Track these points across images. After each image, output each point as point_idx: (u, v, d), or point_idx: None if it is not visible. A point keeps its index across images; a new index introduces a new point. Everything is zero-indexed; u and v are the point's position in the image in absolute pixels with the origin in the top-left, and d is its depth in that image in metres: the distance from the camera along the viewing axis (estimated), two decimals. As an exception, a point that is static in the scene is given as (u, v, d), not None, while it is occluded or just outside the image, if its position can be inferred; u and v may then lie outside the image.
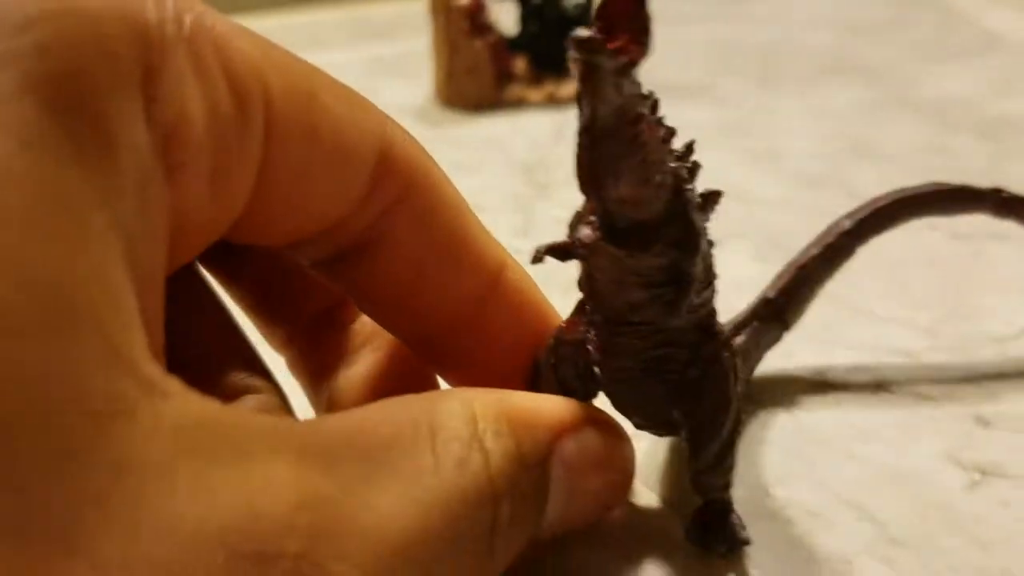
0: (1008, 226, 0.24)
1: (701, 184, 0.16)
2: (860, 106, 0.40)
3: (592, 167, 0.14)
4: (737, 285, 0.24)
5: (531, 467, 0.14)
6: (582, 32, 0.12)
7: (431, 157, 0.16)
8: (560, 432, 0.15)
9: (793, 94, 0.42)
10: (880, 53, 0.48)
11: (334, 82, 0.14)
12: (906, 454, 0.19)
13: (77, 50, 0.10)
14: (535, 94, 0.41)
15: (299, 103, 0.13)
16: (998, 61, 0.47)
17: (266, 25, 0.57)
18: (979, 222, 0.28)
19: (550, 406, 0.15)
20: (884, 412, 0.21)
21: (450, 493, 0.12)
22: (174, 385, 0.11)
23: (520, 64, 0.41)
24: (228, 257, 0.16)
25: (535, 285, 0.17)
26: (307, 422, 0.13)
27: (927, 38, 0.51)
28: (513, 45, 0.41)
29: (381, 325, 0.17)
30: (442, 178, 0.16)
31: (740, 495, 0.17)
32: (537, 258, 0.16)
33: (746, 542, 0.17)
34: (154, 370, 0.11)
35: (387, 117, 0.15)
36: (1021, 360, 0.22)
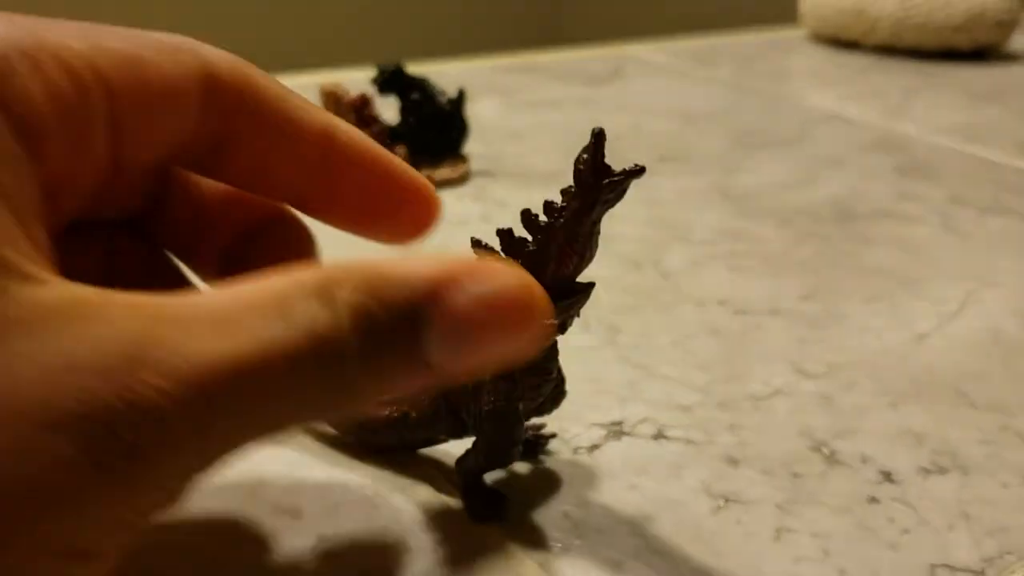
0: (782, 304, 0.31)
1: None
2: (683, 193, 0.48)
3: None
4: (564, 353, 0.32)
5: (388, 317, 0.16)
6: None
7: (249, 65, 0.21)
8: (436, 284, 0.16)
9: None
10: (708, 142, 0.56)
11: (158, 41, 0.19)
12: (672, 486, 0.26)
13: None
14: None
15: (129, 71, 0.18)
16: (808, 150, 0.55)
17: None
18: (760, 300, 0.35)
19: (424, 264, 0.16)
20: (660, 454, 0.27)
21: (286, 338, 0.15)
22: (52, 278, 0.15)
23: (400, 151, 0.47)
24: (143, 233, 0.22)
25: (366, 137, 0.22)
26: (175, 296, 0.16)
27: (750, 127, 0.59)
28: (394, 134, 0.47)
29: (264, 197, 0.22)
30: (261, 78, 0.21)
31: (550, 514, 0.24)
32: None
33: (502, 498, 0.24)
34: (32, 268, 0.15)
35: (202, 48, 0.20)
36: (769, 414, 0.29)
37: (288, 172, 0.21)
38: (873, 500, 0.25)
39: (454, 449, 0.25)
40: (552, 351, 0.23)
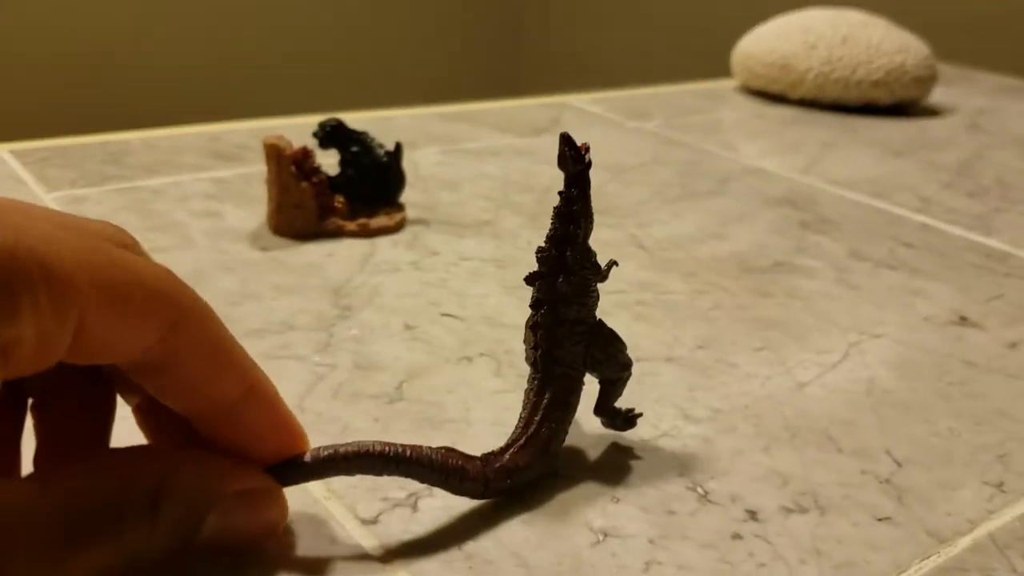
0: (677, 352, 0.34)
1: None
2: (601, 244, 0.50)
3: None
4: (478, 397, 0.35)
5: (193, 515, 0.23)
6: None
7: (210, 310, 0.24)
8: (229, 495, 0.24)
9: (557, 230, 0.52)
10: (631, 193, 0.60)
11: (139, 277, 0.22)
12: (561, 522, 0.29)
13: None
14: (350, 226, 0.50)
15: (105, 291, 0.21)
16: (722, 203, 0.59)
17: (126, 137, 0.65)
18: (658, 348, 0.38)
19: (229, 473, 0.24)
20: (554, 493, 0.30)
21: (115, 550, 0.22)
22: None
23: (339, 201, 0.50)
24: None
25: (279, 398, 0.26)
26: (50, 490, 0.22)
27: (671, 179, 0.63)
28: (333, 185, 0.50)
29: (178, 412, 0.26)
30: (213, 322, 0.24)
31: (448, 554, 0.27)
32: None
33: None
34: None
35: (179, 292, 0.23)
36: (655, 455, 0.32)
37: (208, 404, 0.25)
38: (736, 536, 0.29)
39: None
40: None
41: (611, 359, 0.31)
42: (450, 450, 0.28)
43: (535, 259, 0.30)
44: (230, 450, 0.25)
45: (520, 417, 0.30)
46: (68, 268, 0.20)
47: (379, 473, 0.27)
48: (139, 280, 0.22)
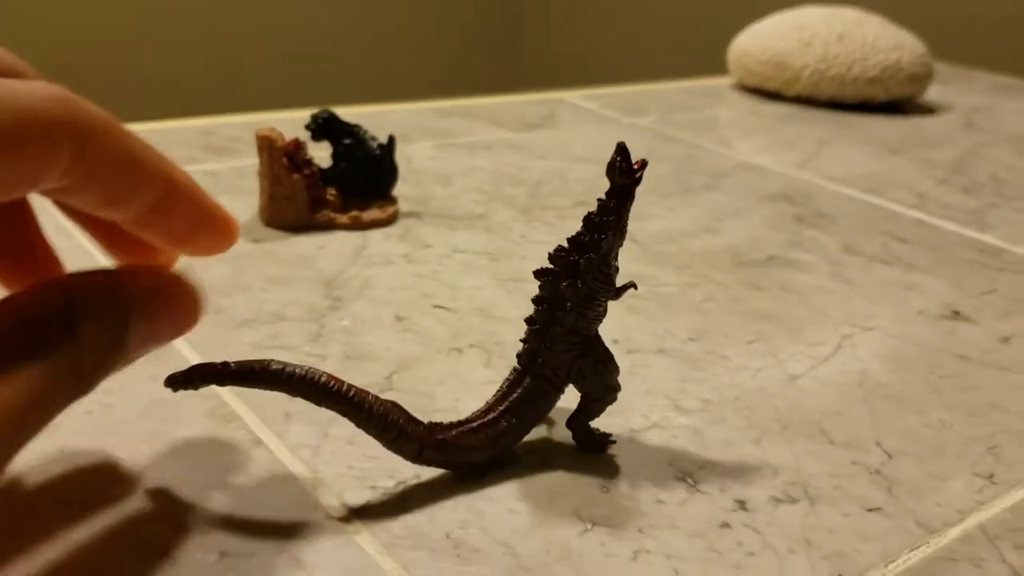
0: (669, 344, 0.34)
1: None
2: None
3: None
4: (467, 388, 0.35)
5: (114, 332, 0.23)
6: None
7: (111, 120, 0.23)
8: (141, 296, 0.24)
9: (549, 224, 0.52)
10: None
11: (30, 100, 0.20)
12: (549, 511, 0.29)
13: None
14: (342, 218, 0.50)
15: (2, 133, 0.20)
16: (717, 198, 0.59)
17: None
18: (650, 340, 0.38)
19: (135, 277, 0.24)
20: (541, 480, 0.30)
21: (44, 379, 0.21)
22: None
23: (331, 193, 0.50)
24: None
25: (199, 188, 0.26)
26: None
27: (666, 174, 0.63)
28: (325, 177, 0.50)
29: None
30: (118, 131, 0.23)
31: (435, 533, 0.27)
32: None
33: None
34: None
35: (77, 108, 0.21)
36: (645, 446, 0.32)
37: (133, 205, 0.25)
38: (725, 525, 0.29)
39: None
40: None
41: (597, 376, 0.30)
42: (397, 406, 0.28)
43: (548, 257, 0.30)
44: (170, 250, 0.26)
45: (486, 402, 0.30)
46: None
47: (319, 404, 0.27)
48: (28, 109, 0.20)
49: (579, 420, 0.31)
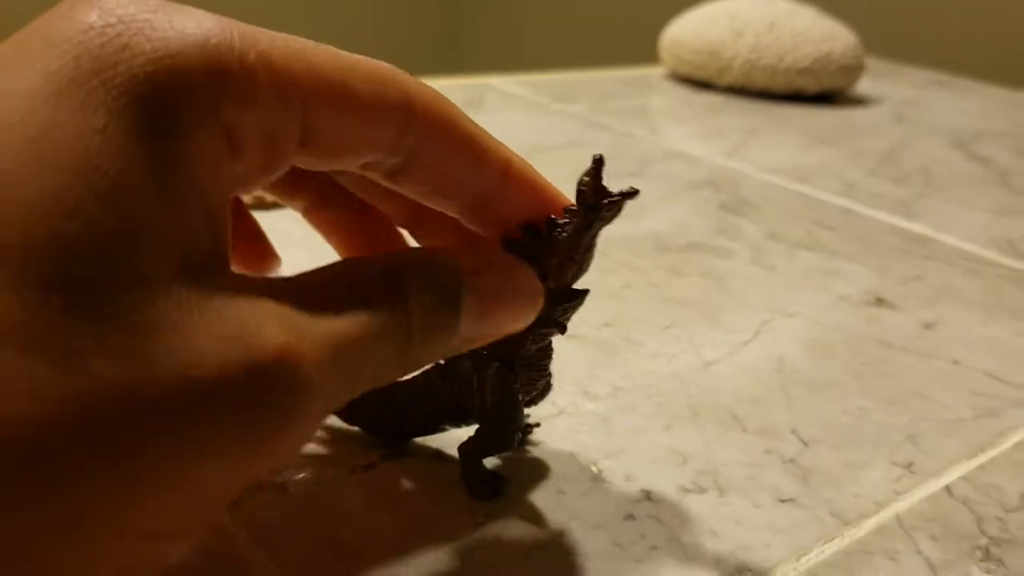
0: (582, 330, 0.32)
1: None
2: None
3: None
4: None
5: (441, 303, 0.20)
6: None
7: (447, 100, 0.22)
8: (470, 272, 0.21)
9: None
10: (549, 174, 0.58)
11: (366, 72, 0.20)
12: (441, 504, 0.27)
13: (173, 89, 0.17)
14: (246, 198, 0.47)
15: (334, 99, 0.19)
16: (643, 184, 0.57)
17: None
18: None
19: (463, 254, 0.22)
20: (439, 471, 0.28)
21: (372, 323, 0.19)
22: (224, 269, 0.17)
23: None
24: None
25: (536, 172, 0.23)
26: (289, 278, 0.19)
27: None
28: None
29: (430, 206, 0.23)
30: (452, 109, 0.22)
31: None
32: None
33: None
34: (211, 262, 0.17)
35: (407, 82, 0.21)
36: (550, 433, 0.30)
37: (462, 191, 0.23)
38: (629, 517, 0.27)
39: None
40: (548, 350, 0.26)
41: (502, 410, 0.26)
42: None
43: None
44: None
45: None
46: (281, 55, 0.18)
47: None
48: (360, 66, 0.20)
49: (473, 455, 0.27)
